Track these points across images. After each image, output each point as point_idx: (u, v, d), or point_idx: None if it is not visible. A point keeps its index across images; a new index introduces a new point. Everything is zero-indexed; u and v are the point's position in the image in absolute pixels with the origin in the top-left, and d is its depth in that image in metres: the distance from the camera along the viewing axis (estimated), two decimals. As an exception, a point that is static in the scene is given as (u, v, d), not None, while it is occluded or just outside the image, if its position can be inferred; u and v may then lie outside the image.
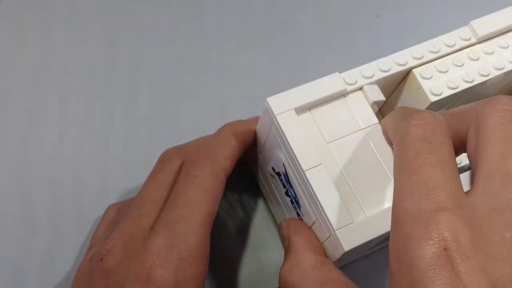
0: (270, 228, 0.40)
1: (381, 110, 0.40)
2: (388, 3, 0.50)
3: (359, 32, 0.48)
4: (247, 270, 0.39)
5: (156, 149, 0.37)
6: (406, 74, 0.36)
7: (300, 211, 0.34)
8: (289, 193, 0.35)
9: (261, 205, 0.41)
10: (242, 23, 0.48)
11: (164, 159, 0.36)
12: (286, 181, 0.34)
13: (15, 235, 0.39)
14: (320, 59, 0.46)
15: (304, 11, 0.48)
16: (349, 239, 0.30)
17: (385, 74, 0.35)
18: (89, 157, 0.42)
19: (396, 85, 0.37)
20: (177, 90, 0.45)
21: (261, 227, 0.40)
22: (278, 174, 0.35)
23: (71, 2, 0.47)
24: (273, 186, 0.38)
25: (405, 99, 0.37)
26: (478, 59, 0.36)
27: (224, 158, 0.35)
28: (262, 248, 0.40)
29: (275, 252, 0.40)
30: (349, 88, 0.34)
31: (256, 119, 0.37)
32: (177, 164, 0.35)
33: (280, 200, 0.37)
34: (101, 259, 0.31)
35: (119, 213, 0.37)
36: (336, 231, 0.30)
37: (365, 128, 0.34)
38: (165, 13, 0.47)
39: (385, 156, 0.33)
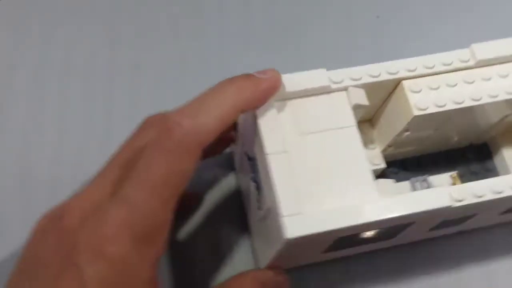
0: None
1: (372, 121, 0.40)
2: (388, 4, 0.50)
3: (358, 33, 0.48)
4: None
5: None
6: (396, 85, 0.35)
7: (260, 196, 0.34)
8: (255, 179, 0.35)
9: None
10: (242, 23, 0.48)
11: (144, 127, 0.34)
12: (254, 166, 0.34)
13: (15, 236, 0.38)
14: (319, 59, 0.46)
15: (304, 12, 0.49)
16: (295, 228, 0.30)
17: (373, 80, 0.34)
18: (89, 158, 0.42)
19: (387, 95, 0.37)
20: (177, 90, 0.44)
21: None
22: (250, 159, 0.35)
23: (71, 2, 0.48)
24: (244, 170, 0.38)
25: (392, 110, 0.37)
26: (472, 82, 0.35)
27: (208, 132, 0.31)
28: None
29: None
30: (334, 86, 0.34)
31: (267, 78, 0.33)
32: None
33: (248, 186, 0.38)
34: (60, 218, 0.31)
35: None
36: (283, 218, 0.30)
37: (341, 128, 0.33)
38: (165, 13, 0.48)
39: (354, 158, 0.33)
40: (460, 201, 0.32)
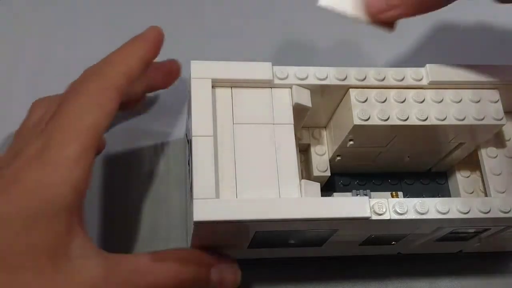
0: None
1: (327, 127, 0.39)
2: None
3: (357, 33, 0.48)
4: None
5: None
6: (346, 92, 0.35)
7: (190, 179, 0.34)
8: (189, 161, 0.35)
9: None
10: (241, 24, 0.48)
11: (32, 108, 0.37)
12: (189, 149, 0.35)
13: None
14: (318, 59, 0.47)
15: (303, 12, 0.49)
16: (205, 211, 0.30)
17: (319, 82, 0.34)
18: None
19: (338, 103, 0.36)
20: (177, 90, 0.43)
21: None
22: (188, 141, 0.36)
23: (71, 2, 0.48)
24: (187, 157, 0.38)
25: (339, 117, 0.37)
26: (421, 102, 0.34)
27: (118, 74, 0.33)
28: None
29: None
30: (278, 81, 0.34)
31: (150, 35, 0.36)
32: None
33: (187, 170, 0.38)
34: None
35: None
36: (194, 200, 0.30)
37: (277, 124, 0.33)
38: (165, 13, 0.48)
39: (284, 155, 0.33)
40: (380, 214, 0.31)
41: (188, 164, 0.35)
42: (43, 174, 0.29)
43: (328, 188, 0.40)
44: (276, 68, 0.34)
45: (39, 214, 0.29)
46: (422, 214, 0.32)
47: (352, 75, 0.34)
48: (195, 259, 0.34)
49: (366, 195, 0.38)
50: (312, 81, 0.34)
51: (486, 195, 0.37)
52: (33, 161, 0.30)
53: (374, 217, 0.31)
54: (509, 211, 0.32)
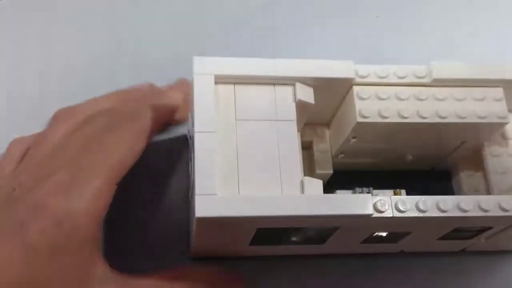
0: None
1: (330, 124, 0.39)
2: (387, 4, 0.50)
3: (358, 33, 0.48)
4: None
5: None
6: (348, 90, 0.35)
7: (192, 175, 0.34)
8: (192, 158, 0.35)
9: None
10: (242, 24, 0.48)
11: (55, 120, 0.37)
12: (192, 145, 0.35)
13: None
14: (320, 56, 0.45)
15: (304, 12, 0.49)
16: (207, 208, 0.30)
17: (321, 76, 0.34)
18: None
19: (341, 100, 0.36)
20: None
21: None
22: (190, 138, 0.36)
23: (71, 2, 0.48)
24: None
25: (342, 115, 0.37)
26: (424, 100, 0.34)
27: (151, 119, 0.35)
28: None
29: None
30: (281, 79, 0.34)
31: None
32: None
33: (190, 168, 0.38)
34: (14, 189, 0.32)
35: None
36: (196, 196, 0.30)
37: (280, 120, 0.33)
38: (165, 13, 0.48)
39: (286, 152, 0.33)
40: (381, 212, 0.31)
41: (190, 160, 0.36)
42: (70, 204, 0.31)
43: (330, 185, 0.39)
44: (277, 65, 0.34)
45: (65, 244, 0.30)
46: (425, 212, 0.31)
47: (354, 72, 0.34)
48: (204, 280, 0.35)
49: (368, 192, 0.38)
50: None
51: (489, 194, 0.37)
52: (61, 190, 0.31)
53: (376, 214, 0.31)
54: None
